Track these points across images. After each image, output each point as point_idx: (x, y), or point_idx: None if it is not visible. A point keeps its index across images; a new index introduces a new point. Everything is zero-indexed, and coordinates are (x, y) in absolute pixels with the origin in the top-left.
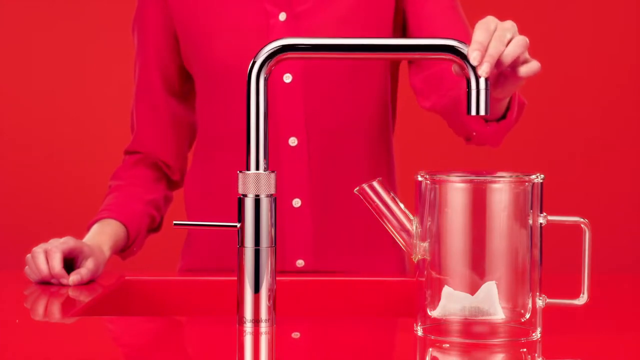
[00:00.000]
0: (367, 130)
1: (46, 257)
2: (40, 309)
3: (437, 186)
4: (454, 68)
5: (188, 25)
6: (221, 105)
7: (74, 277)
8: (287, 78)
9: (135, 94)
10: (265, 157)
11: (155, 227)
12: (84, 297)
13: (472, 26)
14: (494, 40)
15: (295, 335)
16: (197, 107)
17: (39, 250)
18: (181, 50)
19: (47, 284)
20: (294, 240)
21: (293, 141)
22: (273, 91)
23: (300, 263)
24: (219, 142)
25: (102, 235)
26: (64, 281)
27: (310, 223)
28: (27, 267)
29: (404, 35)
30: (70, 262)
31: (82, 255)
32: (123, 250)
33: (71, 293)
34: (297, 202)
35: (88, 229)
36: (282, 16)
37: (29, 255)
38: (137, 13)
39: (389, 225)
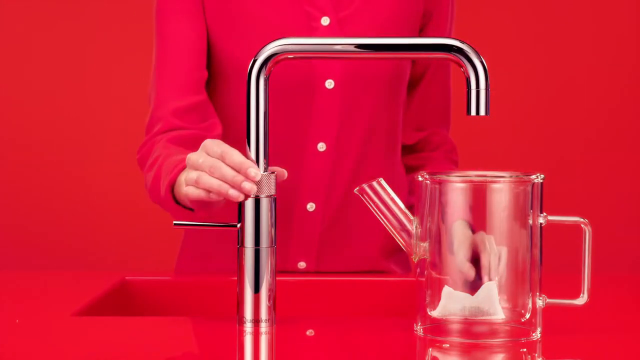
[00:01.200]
0: (391, 141)
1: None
2: (40, 309)
3: (437, 186)
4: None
5: (224, 24)
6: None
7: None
8: (330, 84)
9: (157, 81)
10: (265, 158)
11: None
12: (84, 297)
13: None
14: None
15: (295, 335)
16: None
17: (215, 164)
18: (213, 50)
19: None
20: (300, 243)
21: (322, 146)
22: (312, 94)
23: (301, 265)
24: (241, 142)
25: None
26: (253, 172)
27: (319, 228)
28: (190, 187)
29: None
30: None
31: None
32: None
33: (71, 293)
34: (311, 206)
35: (170, 188)
36: (325, 20)
37: (197, 173)
38: (163, 6)
39: (389, 225)
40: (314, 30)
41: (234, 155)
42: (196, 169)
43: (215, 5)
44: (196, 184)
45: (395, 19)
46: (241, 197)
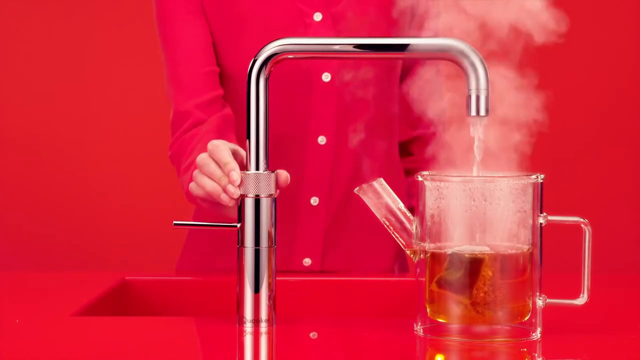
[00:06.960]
0: (389, 132)
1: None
2: (40, 309)
3: (437, 186)
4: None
5: (220, 25)
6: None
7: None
8: (326, 77)
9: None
10: (265, 157)
11: None
12: (84, 297)
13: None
14: None
15: (296, 335)
16: None
17: (204, 161)
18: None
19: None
20: (305, 238)
21: (322, 139)
22: (310, 88)
23: (307, 262)
24: (239, 142)
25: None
26: (234, 175)
27: (323, 223)
28: (192, 184)
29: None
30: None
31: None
32: None
33: (71, 293)
34: (315, 200)
35: (185, 171)
36: (318, 16)
37: (196, 171)
38: (163, 7)
39: (389, 225)
40: (307, 26)
41: (221, 152)
42: (197, 167)
43: (213, 6)
44: (195, 182)
45: (387, 11)
46: (232, 202)
